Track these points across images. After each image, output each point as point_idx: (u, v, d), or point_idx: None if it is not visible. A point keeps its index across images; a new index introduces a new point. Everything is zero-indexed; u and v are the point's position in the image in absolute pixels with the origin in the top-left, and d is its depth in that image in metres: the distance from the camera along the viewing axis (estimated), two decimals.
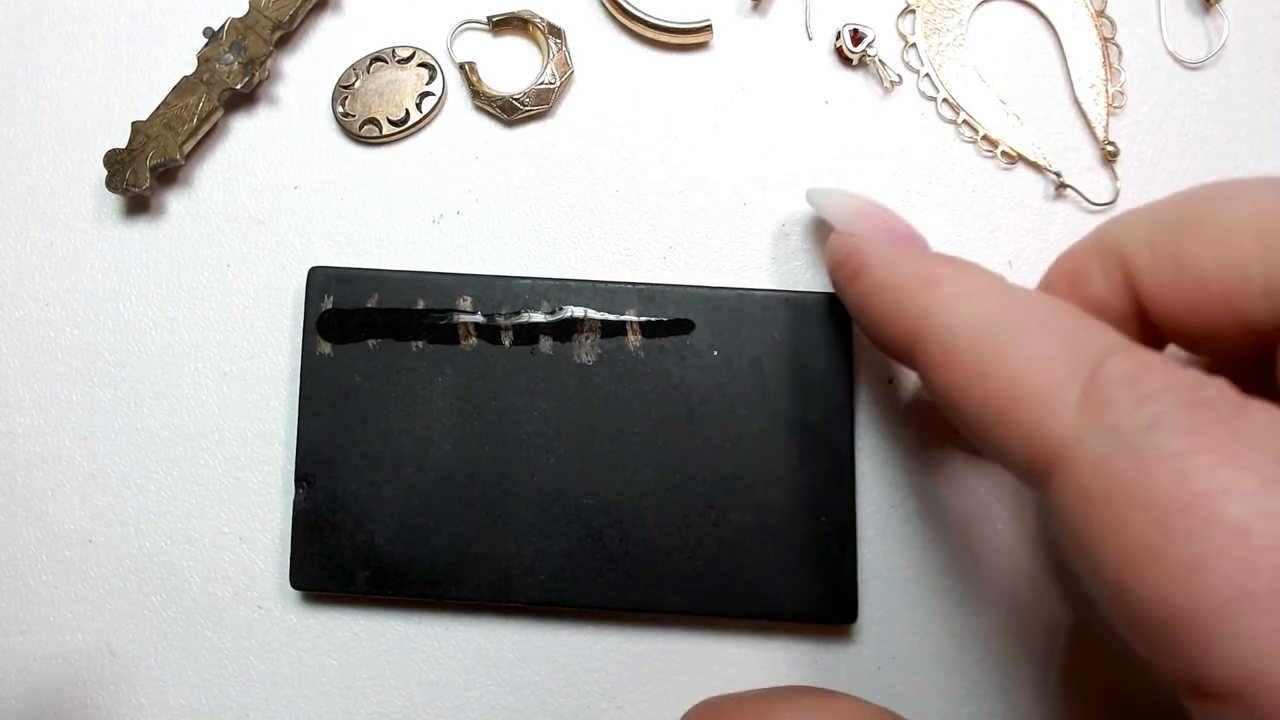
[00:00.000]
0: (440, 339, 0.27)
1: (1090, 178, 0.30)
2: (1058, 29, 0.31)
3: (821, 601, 0.26)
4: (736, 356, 0.27)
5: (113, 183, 0.29)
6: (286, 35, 0.30)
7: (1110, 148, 0.30)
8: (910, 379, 0.29)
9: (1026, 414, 0.18)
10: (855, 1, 0.31)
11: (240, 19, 0.30)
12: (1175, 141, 0.30)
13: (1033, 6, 0.31)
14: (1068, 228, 0.29)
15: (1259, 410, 0.16)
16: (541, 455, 0.27)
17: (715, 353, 0.27)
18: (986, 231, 0.29)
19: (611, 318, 0.27)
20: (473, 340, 0.27)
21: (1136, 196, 0.30)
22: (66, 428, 0.29)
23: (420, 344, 0.27)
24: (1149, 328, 0.21)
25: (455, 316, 0.27)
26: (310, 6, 0.31)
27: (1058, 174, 0.29)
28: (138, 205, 0.30)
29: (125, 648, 0.28)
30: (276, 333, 0.29)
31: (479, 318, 0.27)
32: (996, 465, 0.28)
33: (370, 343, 0.27)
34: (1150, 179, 0.30)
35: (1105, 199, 0.30)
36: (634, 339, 0.27)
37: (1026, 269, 0.29)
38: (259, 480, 0.29)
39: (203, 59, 0.30)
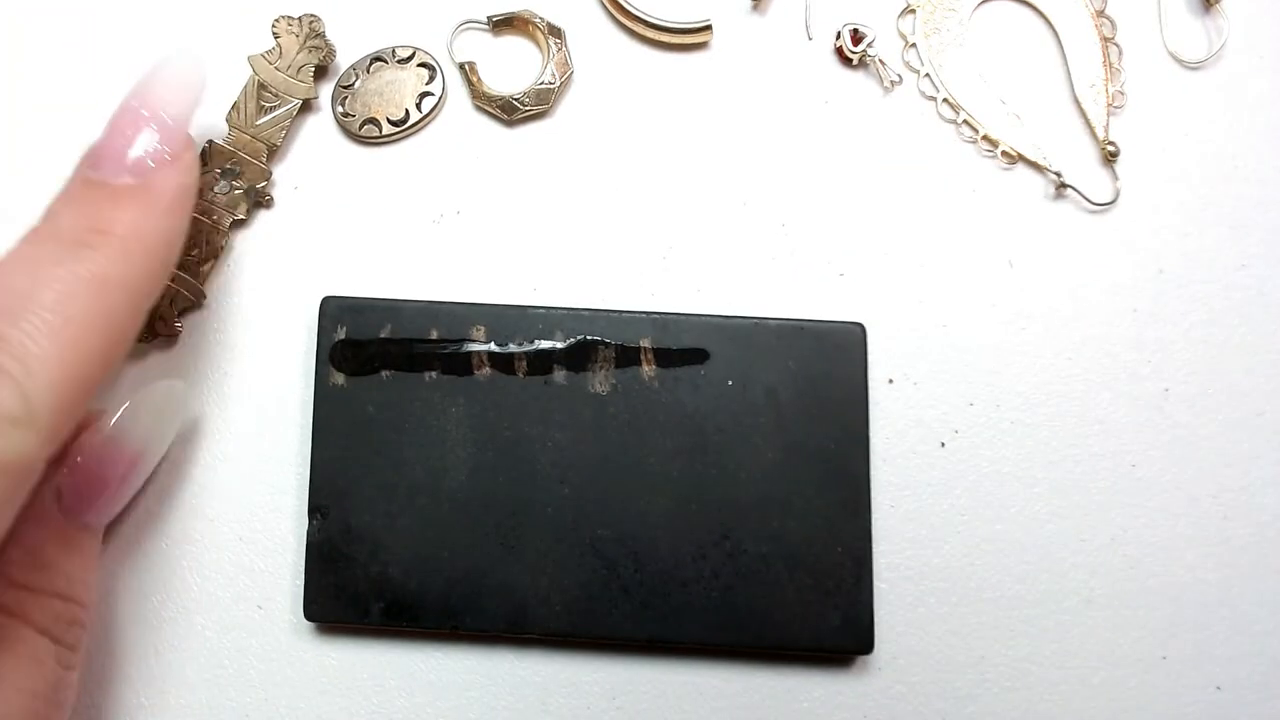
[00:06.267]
0: (453, 369, 0.27)
1: (1091, 177, 0.30)
2: (1058, 29, 0.31)
3: (837, 632, 0.26)
4: (751, 386, 0.27)
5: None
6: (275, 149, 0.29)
7: (1111, 147, 0.30)
8: (913, 381, 0.29)
9: None
10: (855, 1, 0.31)
11: (223, 143, 0.29)
12: (1176, 141, 0.30)
13: (1033, 6, 0.31)
14: (1068, 228, 0.29)
15: None
16: (556, 485, 0.27)
17: (730, 382, 0.27)
18: (986, 231, 0.29)
19: (626, 346, 0.27)
20: (486, 370, 0.27)
21: (1137, 197, 0.30)
22: None
23: (433, 375, 0.27)
24: None
25: (468, 346, 0.27)
26: (294, 116, 0.29)
27: (1058, 174, 0.29)
28: None
29: (135, 680, 0.28)
30: (276, 332, 0.29)
31: (492, 347, 0.27)
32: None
33: (383, 373, 0.27)
34: (1151, 179, 0.30)
35: (1106, 199, 0.30)
36: (648, 369, 0.27)
37: (1026, 269, 0.29)
38: (270, 476, 0.29)
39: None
